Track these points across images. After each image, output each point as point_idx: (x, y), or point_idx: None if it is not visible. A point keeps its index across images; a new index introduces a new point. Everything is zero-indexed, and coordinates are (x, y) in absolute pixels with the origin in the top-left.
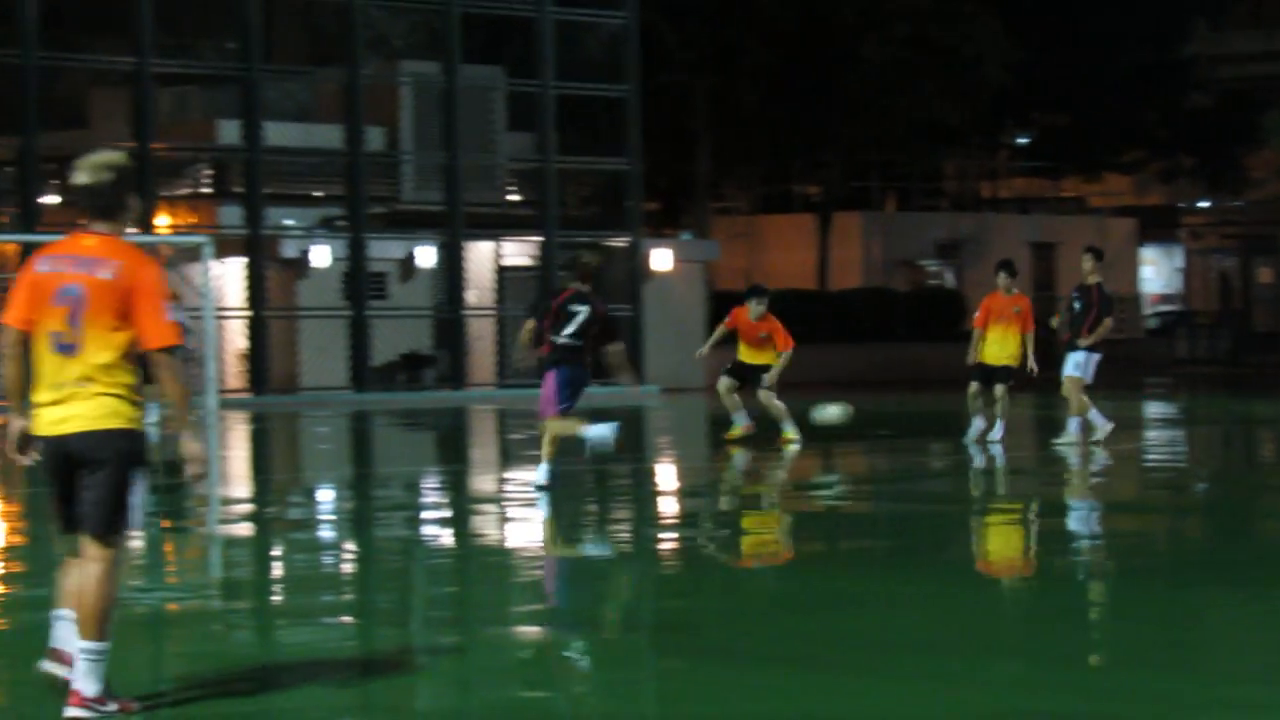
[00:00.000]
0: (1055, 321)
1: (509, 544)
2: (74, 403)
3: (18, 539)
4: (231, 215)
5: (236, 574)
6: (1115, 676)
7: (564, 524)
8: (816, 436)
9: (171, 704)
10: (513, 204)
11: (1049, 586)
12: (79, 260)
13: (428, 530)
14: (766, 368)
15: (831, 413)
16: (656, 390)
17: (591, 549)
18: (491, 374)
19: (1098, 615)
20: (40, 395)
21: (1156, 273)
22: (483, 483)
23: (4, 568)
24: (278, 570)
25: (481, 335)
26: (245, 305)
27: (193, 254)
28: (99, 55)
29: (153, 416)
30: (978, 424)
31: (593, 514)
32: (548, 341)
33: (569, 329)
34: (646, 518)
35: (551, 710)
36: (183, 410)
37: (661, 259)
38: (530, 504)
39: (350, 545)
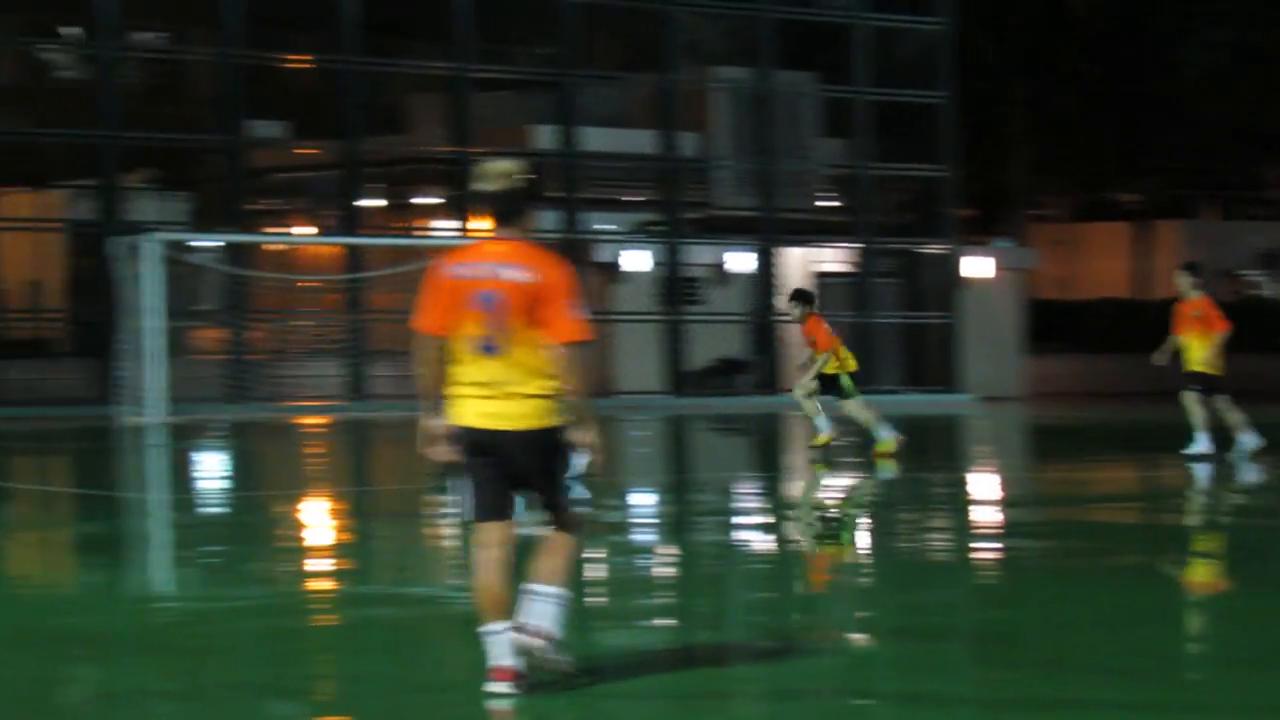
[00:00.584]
0: None
1: (826, 550)
2: (502, 401)
3: (346, 536)
4: (547, 219)
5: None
6: None
7: (881, 531)
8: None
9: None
10: (826, 210)
11: None
12: (493, 265)
13: (744, 535)
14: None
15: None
16: (974, 399)
17: (910, 557)
18: None
19: None
20: (464, 392)
21: None
22: (798, 489)
23: (335, 564)
24: (598, 572)
25: (796, 341)
26: None
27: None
28: (419, 61)
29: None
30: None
31: (910, 522)
32: None
33: None
34: (962, 526)
35: None
36: (583, 403)
37: (981, 267)
38: (844, 510)
39: (668, 549)
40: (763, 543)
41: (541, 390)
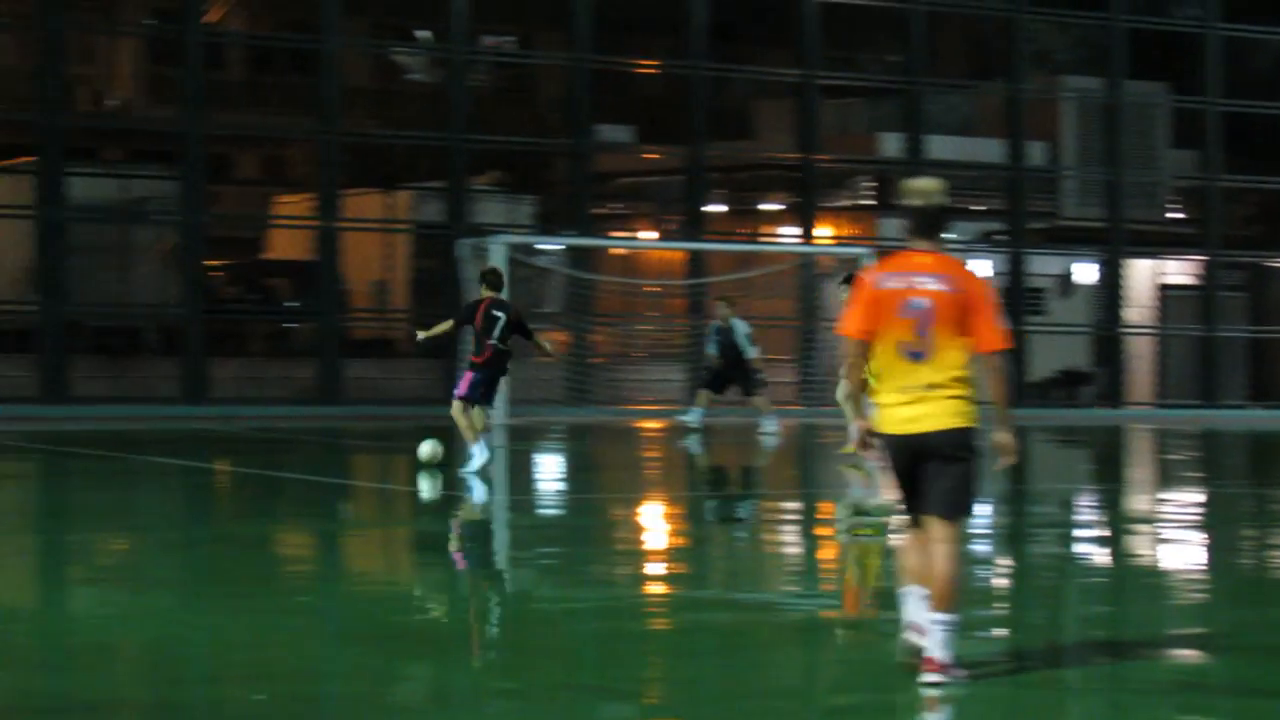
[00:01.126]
0: None
1: (1164, 565)
2: (925, 404)
3: (681, 540)
4: (892, 227)
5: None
6: None
7: (1221, 547)
8: None
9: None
10: (1174, 222)
11: None
12: (920, 276)
13: (1082, 548)
14: None
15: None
16: None
17: (1250, 573)
18: (1151, 393)
19: None
20: (887, 397)
21: None
22: (1139, 502)
23: (671, 568)
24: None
25: (1140, 354)
26: None
27: (852, 265)
28: (766, 68)
29: (771, 426)
30: None
31: (1251, 538)
32: (486, 346)
33: (496, 333)
34: None
35: None
36: (1003, 407)
37: None
38: (1187, 525)
39: (1004, 560)
40: (1101, 556)
41: (961, 394)
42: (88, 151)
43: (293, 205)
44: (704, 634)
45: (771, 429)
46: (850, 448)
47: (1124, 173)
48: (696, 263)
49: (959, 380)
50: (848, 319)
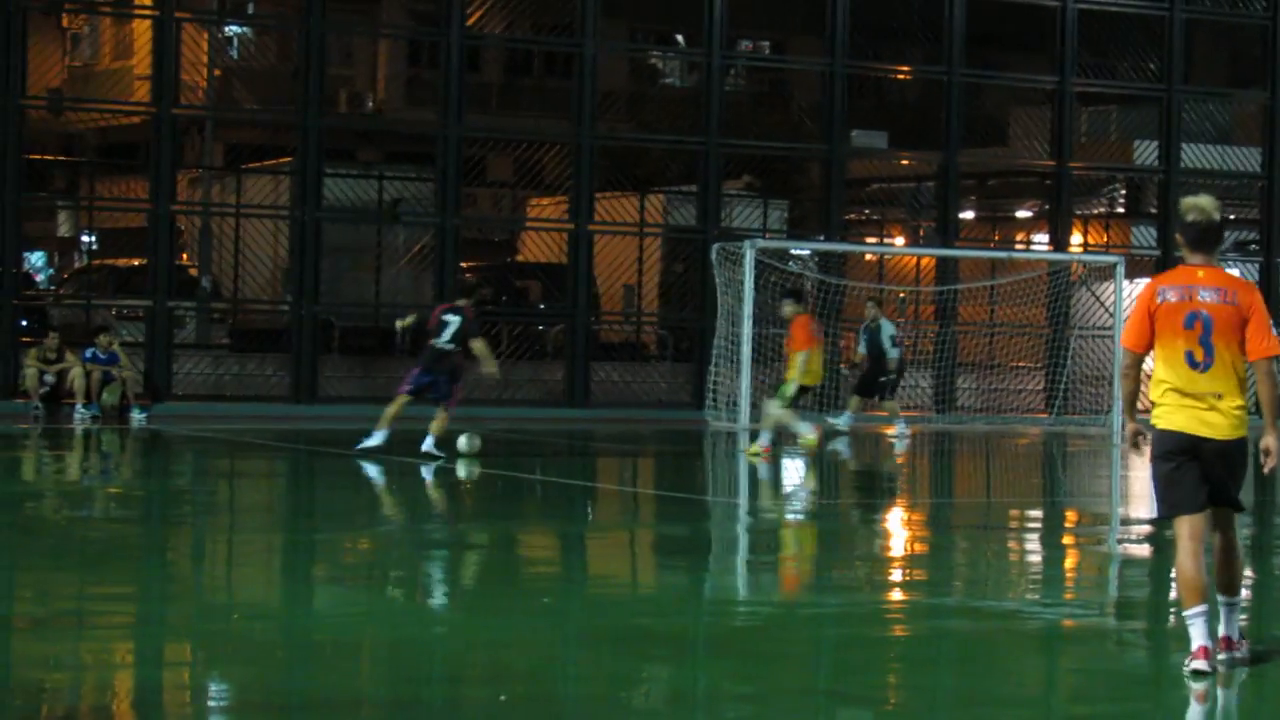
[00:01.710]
0: None
1: None
2: (1207, 412)
3: (924, 547)
4: (1144, 236)
5: (1134, 594)
6: None
7: None
8: None
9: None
10: None
11: None
12: (1200, 289)
13: None
14: None
15: (460, 444)
16: None
17: None
18: None
19: None
20: (1170, 400)
21: None
22: None
23: (913, 575)
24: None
25: None
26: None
27: (1105, 273)
28: (1021, 74)
29: (902, 429)
30: None
31: None
32: (427, 346)
33: (444, 336)
34: None
35: None
36: (1271, 413)
37: None
38: None
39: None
40: None
41: (1240, 403)
42: (345, 153)
43: (545, 208)
44: (944, 641)
45: (902, 433)
46: (754, 449)
47: None
48: (947, 269)
49: (1238, 389)
50: (1129, 331)
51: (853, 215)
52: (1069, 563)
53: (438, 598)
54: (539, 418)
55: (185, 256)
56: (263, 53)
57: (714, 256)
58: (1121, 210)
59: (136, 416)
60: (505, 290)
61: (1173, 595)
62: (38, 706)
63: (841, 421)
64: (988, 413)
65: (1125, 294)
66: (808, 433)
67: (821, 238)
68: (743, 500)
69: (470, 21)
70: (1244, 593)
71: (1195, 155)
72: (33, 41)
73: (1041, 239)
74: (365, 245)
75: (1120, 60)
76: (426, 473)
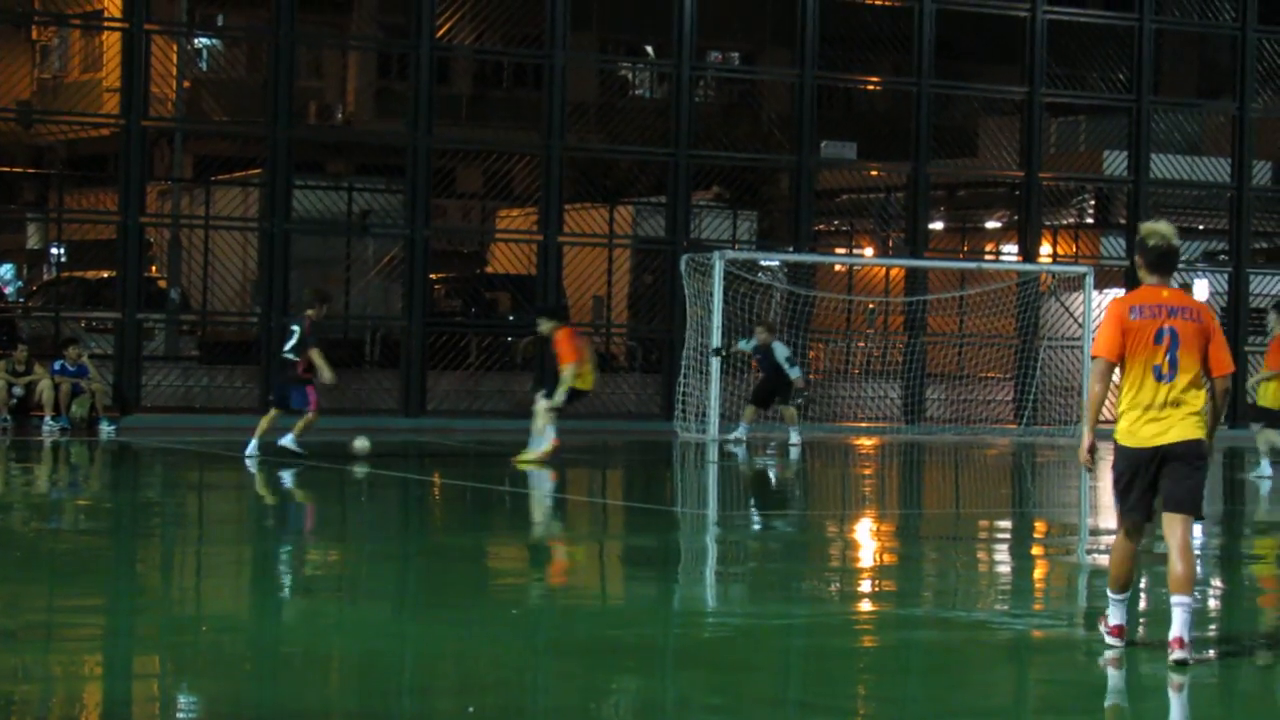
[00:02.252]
0: None
1: None
2: (1170, 420)
3: (894, 558)
4: (1113, 246)
5: (1103, 605)
6: None
7: None
8: None
9: None
10: None
11: None
12: (1166, 307)
13: None
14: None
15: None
16: None
17: None
18: None
19: None
20: (1132, 413)
21: None
22: None
23: (882, 586)
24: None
25: None
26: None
27: (1074, 283)
28: (991, 84)
29: (794, 438)
30: None
31: None
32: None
33: (287, 345)
34: None
35: None
36: (1216, 424)
37: None
38: None
39: (1217, 582)
40: None
41: (1198, 409)
42: (314, 164)
43: (515, 219)
44: (914, 652)
45: (794, 441)
46: (529, 455)
47: None
48: (915, 279)
49: (1197, 397)
50: (1102, 342)
51: (822, 226)
52: (1038, 573)
53: (405, 609)
54: (508, 429)
55: (154, 269)
56: (232, 65)
57: (683, 267)
58: (1091, 221)
59: (105, 429)
60: (475, 302)
61: (1142, 606)
62: (6, 718)
63: (739, 432)
64: (957, 423)
65: (1095, 304)
66: (546, 444)
67: (791, 249)
68: (712, 512)
69: (440, 33)
70: (1192, 599)
71: (1164, 166)
72: (1, 54)
73: (1011, 249)
74: (335, 257)
75: (1089, 71)
76: (398, 484)
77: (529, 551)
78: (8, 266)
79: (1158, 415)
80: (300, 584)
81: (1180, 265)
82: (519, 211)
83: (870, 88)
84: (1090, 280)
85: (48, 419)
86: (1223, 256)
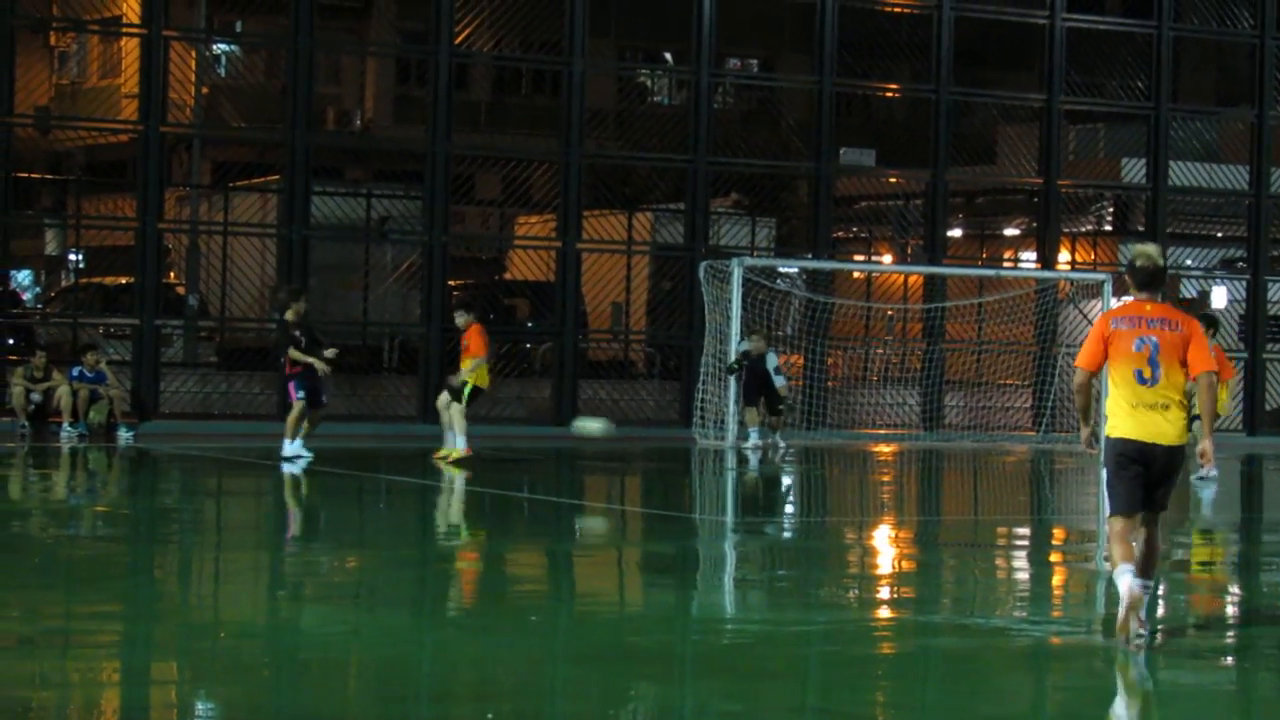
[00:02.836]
0: None
1: None
2: (1160, 422)
3: (913, 565)
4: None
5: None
6: None
7: None
8: None
9: None
10: None
11: None
12: (1148, 319)
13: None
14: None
15: (592, 428)
16: None
17: None
18: None
19: None
20: (1120, 410)
21: None
22: None
23: (901, 592)
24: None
25: None
26: None
27: (1092, 290)
28: (1010, 92)
29: (752, 440)
30: None
31: None
32: None
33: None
34: None
35: None
36: (1209, 420)
37: None
38: None
39: (1235, 589)
40: None
41: (1182, 415)
42: (333, 171)
43: (533, 225)
44: (933, 659)
45: (755, 444)
46: (450, 452)
47: None
48: (934, 286)
49: (1181, 403)
50: (1084, 353)
51: (841, 233)
52: (1056, 580)
53: (424, 616)
54: (526, 435)
55: (173, 275)
56: (251, 71)
57: (702, 274)
58: (1109, 228)
59: (123, 435)
60: (493, 308)
61: (1160, 613)
62: None
63: (754, 439)
64: (975, 430)
65: None
66: (462, 446)
67: (809, 255)
68: (731, 518)
69: (458, 40)
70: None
71: (1183, 173)
72: (20, 59)
73: (1029, 256)
74: (353, 263)
75: (1108, 78)
76: (410, 490)
77: (547, 558)
78: (26, 273)
79: (1145, 415)
80: (318, 590)
81: (1198, 273)
82: (538, 218)
83: (889, 95)
84: (1109, 287)
85: (66, 425)
86: (1241, 264)
